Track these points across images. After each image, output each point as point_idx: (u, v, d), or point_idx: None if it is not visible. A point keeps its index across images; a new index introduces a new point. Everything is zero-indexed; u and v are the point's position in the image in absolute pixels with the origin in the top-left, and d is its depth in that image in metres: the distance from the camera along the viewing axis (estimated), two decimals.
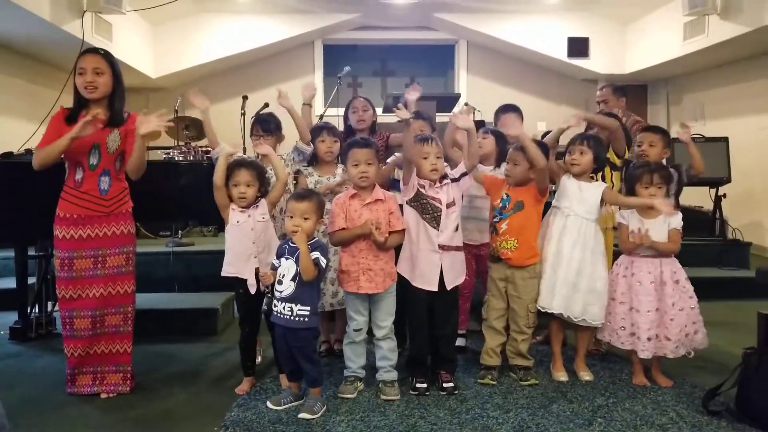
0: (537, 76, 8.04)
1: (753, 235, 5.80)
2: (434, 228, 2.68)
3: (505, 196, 2.85)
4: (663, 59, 6.66)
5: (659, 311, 2.73)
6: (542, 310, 2.83)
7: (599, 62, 7.45)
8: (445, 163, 2.79)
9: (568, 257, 2.80)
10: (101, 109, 2.59)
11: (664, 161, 3.18)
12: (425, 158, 2.67)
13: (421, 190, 2.69)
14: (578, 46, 7.34)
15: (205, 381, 2.90)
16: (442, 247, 2.69)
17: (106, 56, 2.60)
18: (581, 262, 2.79)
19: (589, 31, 7.37)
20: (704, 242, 5.32)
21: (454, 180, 2.77)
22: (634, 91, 7.28)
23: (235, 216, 2.67)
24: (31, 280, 3.67)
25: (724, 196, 5.51)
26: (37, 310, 3.62)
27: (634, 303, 2.76)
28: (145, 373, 2.91)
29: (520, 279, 2.81)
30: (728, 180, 5.49)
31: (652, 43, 6.87)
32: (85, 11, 5.25)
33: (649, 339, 2.71)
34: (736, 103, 6.50)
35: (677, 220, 2.78)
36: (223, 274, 2.73)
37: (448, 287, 2.71)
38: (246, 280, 2.66)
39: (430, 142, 2.69)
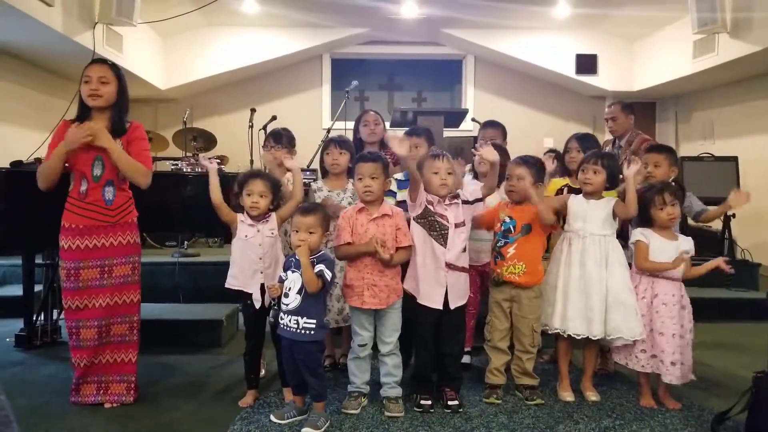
0: (545, 92, 8.05)
1: (762, 255, 5.73)
2: (441, 245, 2.66)
3: (507, 219, 2.80)
4: (672, 77, 6.65)
5: (676, 336, 2.69)
6: (577, 338, 2.77)
7: (607, 79, 7.46)
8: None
9: (597, 279, 2.75)
10: (103, 119, 2.60)
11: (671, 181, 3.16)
12: (435, 173, 2.66)
13: (429, 207, 2.67)
14: (586, 63, 7.35)
15: (208, 393, 2.88)
16: (448, 266, 2.66)
17: (113, 67, 2.62)
18: (608, 280, 2.75)
19: (597, 48, 7.38)
20: None
21: (466, 202, 2.75)
22: (642, 108, 7.27)
23: (243, 230, 2.68)
24: (37, 287, 3.67)
25: (734, 216, 5.46)
26: (42, 318, 3.62)
27: (657, 325, 2.70)
28: (149, 384, 2.89)
29: (526, 299, 2.78)
30: None
31: (661, 60, 6.87)
32: (96, 23, 5.30)
33: (673, 363, 2.66)
34: (746, 122, 6.47)
35: (691, 246, 2.75)
36: (227, 285, 2.73)
37: (452, 306, 2.69)
38: (251, 293, 2.65)
39: (441, 158, 2.67)
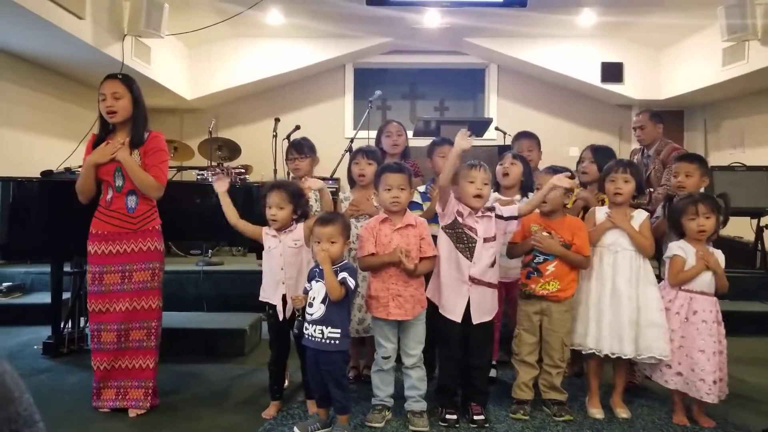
0: (569, 100, 7.95)
1: None
2: (467, 258, 2.61)
3: (546, 234, 2.73)
4: (700, 85, 6.51)
5: (716, 354, 2.61)
6: (612, 356, 2.70)
7: (634, 87, 7.34)
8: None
9: (627, 296, 2.69)
10: (125, 132, 2.69)
11: (702, 191, 3.08)
12: (471, 182, 2.60)
13: (458, 218, 2.62)
14: (612, 71, 7.24)
15: (231, 403, 2.87)
16: (472, 280, 2.61)
17: (124, 80, 2.69)
18: (639, 298, 2.69)
19: (623, 56, 7.28)
20: (745, 275, 5.13)
21: (500, 217, 2.69)
22: (670, 116, 7.12)
23: (267, 241, 2.69)
24: (65, 295, 3.72)
25: (767, 227, 5.32)
26: (70, 326, 3.66)
27: (697, 343, 2.61)
28: (172, 393, 2.90)
29: (557, 312, 2.72)
30: None
31: (689, 68, 6.74)
32: (125, 35, 5.40)
33: (715, 382, 2.57)
34: None
35: (722, 260, 2.68)
36: (260, 298, 2.75)
37: (474, 322, 2.63)
38: (275, 305, 2.65)
39: (478, 168, 2.62)
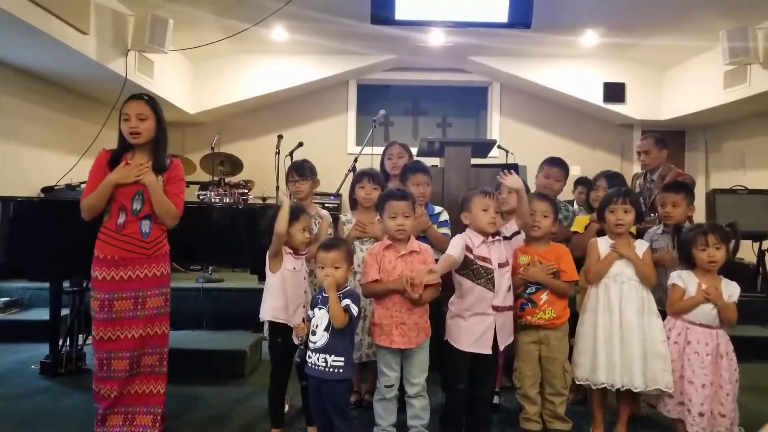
0: (572, 120, 7.97)
1: None
2: (490, 290, 2.58)
3: (538, 264, 2.73)
4: (702, 107, 6.54)
5: (713, 385, 2.58)
6: (622, 390, 2.67)
7: (635, 108, 7.36)
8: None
9: (637, 327, 2.66)
10: (144, 154, 2.63)
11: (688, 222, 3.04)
12: (485, 210, 2.60)
13: (468, 255, 2.60)
14: (614, 91, 7.27)
15: (231, 428, 2.84)
16: (495, 308, 2.60)
17: (150, 102, 2.64)
18: (646, 330, 2.67)
19: (625, 77, 7.30)
20: (746, 298, 5.09)
21: (506, 238, 2.70)
22: (671, 137, 7.14)
23: (290, 262, 2.66)
24: (63, 311, 3.67)
25: None
26: (68, 345, 3.62)
27: (687, 373, 2.61)
28: (172, 417, 2.85)
29: (554, 339, 2.71)
30: None
31: (691, 90, 6.77)
32: (129, 50, 5.42)
33: (701, 414, 2.55)
34: None
35: (736, 291, 2.66)
36: (269, 318, 2.66)
37: (501, 348, 2.63)
38: (291, 329, 2.60)
39: (491, 196, 2.63)
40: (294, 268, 2.66)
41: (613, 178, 3.39)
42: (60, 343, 3.58)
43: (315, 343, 2.41)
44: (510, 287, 2.66)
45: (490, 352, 2.59)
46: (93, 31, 4.80)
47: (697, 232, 2.67)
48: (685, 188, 3.06)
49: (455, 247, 2.57)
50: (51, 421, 2.83)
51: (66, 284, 3.69)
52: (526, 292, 2.74)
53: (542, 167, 3.54)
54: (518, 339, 2.77)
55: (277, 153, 5.42)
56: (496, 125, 8.02)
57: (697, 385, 2.58)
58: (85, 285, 3.68)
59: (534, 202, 2.78)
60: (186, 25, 5.81)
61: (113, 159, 2.62)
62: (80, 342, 3.69)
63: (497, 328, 2.60)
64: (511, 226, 2.73)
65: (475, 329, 2.59)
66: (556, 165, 3.46)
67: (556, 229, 2.80)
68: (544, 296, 2.71)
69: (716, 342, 2.62)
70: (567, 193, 4.16)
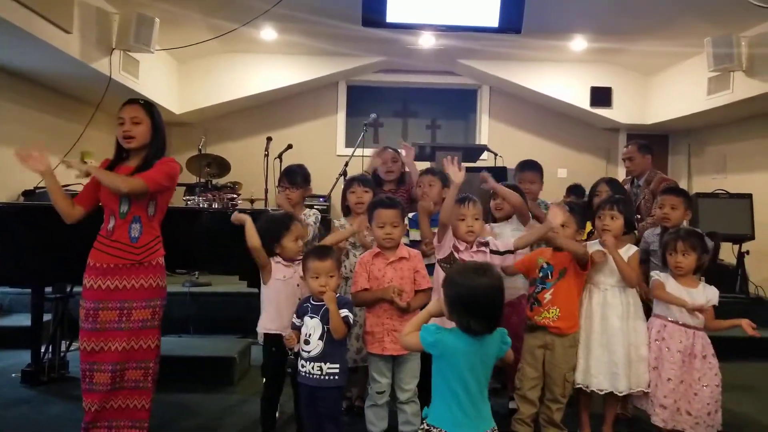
0: (559, 123, 8.03)
1: None
2: None
3: (545, 265, 2.74)
4: (686, 112, 6.62)
5: (684, 383, 2.64)
6: (600, 392, 2.72)
7: (622, 112, 7.44)
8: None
9: (621, 333, 2.70)
10: (139, 159, 2.56)
11: (685, 223, 3.13)
12: (462, 220, 2.62)
13: (454, 253, 2.62)
14: (601, 96, 7.34)
15: None
16: None
17: (146, 106, 2.58)
18: (631, 334, 2.72)
19: (612, 81, 7.38)
20: (726, 299, 5.17)
21: (496, 252, 2.69)
22: (655, 141, 7.24)
23: (280, 270, 2.63)
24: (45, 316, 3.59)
25: (747, 253, 5.40)
26: (50, 353, 3.54)
27: (659, 368, 2.68)
28: (159, 427, 2.81)
29: (560, 347, 2.70)
30: (752, 237, 5.40)
31: (675, 95, 6.86)
32: (114, 49, 5.33)
33: (663, 407, 2.62)
34: (760, 158, 6.41)
35: (715, 296, 2.69)
36: (263, 330, 2.64)
37: None
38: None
39: (467, 204, 2.63)
40: (284, 277, 2.63)
41: (612, 183, 3.45)
42: (42, 351, 3.50)
43: (309, 352, 2.38)
44: None
45: None
46: (76, 30, 4.71)
47: (670, 237, 2.74)
48: (684, 193, 3.17)
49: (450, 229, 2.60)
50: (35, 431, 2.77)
51: (48, 290, 3.61)
52: (535, 292, 2.76)
53: (516, 174, 3.59)
54: (526, 341, 2.79)
55: (266, 155, 5.37)
56: (485, 128, 8.05)
57: (663, 379, 2.64)
58: (68, 291, 3.62)
59: (550, 209, 2.79)
60: (173, 24, 5.73)
61: (110, 166, 2.56)
62: (63, 349, 3.61)
63: None
64: (505, 244, 2.72)
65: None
66: (528, 169, 3.49)
67: (580, 237, 2.79)
68: (548, 295, 2.71)
69: (691, 342, 2.66)
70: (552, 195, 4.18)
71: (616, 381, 2.68)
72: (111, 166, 2.57)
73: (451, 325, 1.84)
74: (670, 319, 2.70)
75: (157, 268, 2.59)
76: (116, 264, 2.50)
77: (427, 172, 3.23)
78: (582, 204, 2.88)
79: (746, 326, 2.62)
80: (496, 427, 1.86)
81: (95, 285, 2.49)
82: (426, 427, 1.82)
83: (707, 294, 2.69)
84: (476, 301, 1.74)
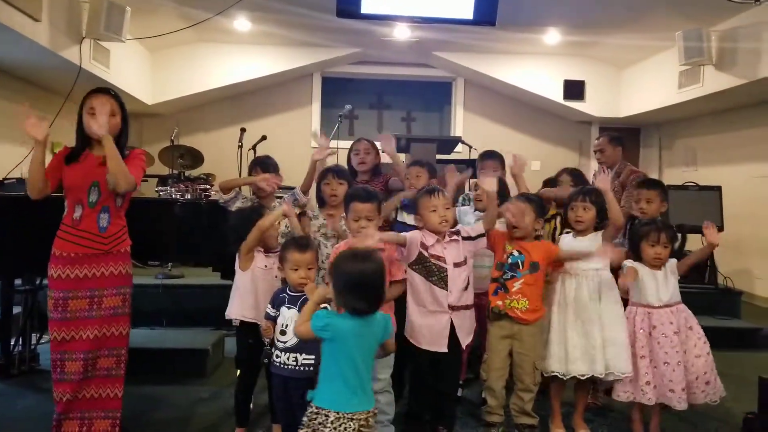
0: (533, 116, 8.12)
1: (743, 283, 5.82)
2: (442, 289, 2.59)
3: (516, 253, 2.74)
4: (657, 105, 6.75)
5: (680, 363, 2.68)
6: (563, 377, 2.75)
7: (594, 105, 7.55)
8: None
9: (595, 317, 2.73)
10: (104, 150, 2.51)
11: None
12: (433, 211, 2.60)
13: (423, 252, 2.60)
14: (574, 89, 7.43)
15: (194, 429, 2.79)
16: (452, 308, 2.61)
17: (117, 98, 2.57)
18: (603, 317, 2.74)
19: (585, 75, 7.48)
20: (695, 290, 5.31)
21: (468, 238, 2.70)
22: (627, 134, 7.36)
23: (261, 260, 2.63)
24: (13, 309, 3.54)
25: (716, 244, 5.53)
26: (20, 345, 3.49)
27: (660, 356, 2.69)
28: (131, 419, 2.78)
29: (528, 335, 2.71)
30: (721, 229, 5.52)
31: (647, 89, 6.98)
32: (84, 38, 5.22)
33: (683, 389, 2.64)
34: (728, 151, 6.58)
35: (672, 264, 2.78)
36: (239, 317, 2.63)
37: (464, 345, 2.65)
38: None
39: (437, 194, 2.62)
40: (265, 266, 2.63)
41: (575, 173, 3.49)
42: (12, 344, 3.44)
43: (285, 342, 2.38)
44: (468, 286, 2.66)
45: (445, 350, 2.59)
46: (45, 18, 4.59)
47: (651, 228, 2.76)
48: (659, 185, 3.19)
49: (408, 235, 2.62)
50: (5, 426, 2.72)
51: (18, 282, 3.55)
52: (502, 277, 2.74)
53: (477, 164, 3.67)
54: (490, 331, 2.79)
55: (240, 146, 5.34)
56: (460, 120, 8.10)
57: (673, 364, 2.65)
58: (38, 283, 3.56)
59: (514, 201, 2.82)
60: (144, 12, 5.63)
61: (73, 155, 2.52)
62: (33, 342, 3.56)
63: (456, 326, 2.60)
64: (476, 228, 2.74)
65: (430, 328, 2.60)
66: (488, 158, 3.57)
67: (540, 227, 2.83)
68: (517, 284, 2.71)
69: (677, 318, 2.72)
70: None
71: (594, 364, 2.70)
72: (74, 154, 2.52)
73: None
74: (654, 305, 2.73)
75: (125, 255, 2.58)
76: (84, 253, 2.48)
77: (414, 163, 3.26)
78: (538, 195, 2.90)
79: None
80: (376, 410, 2.01)
81: (63, 274, 2.47)
82: (315, 410, 1.92)
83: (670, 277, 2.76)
84: (364, 283, 1.90)
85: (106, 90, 2.57)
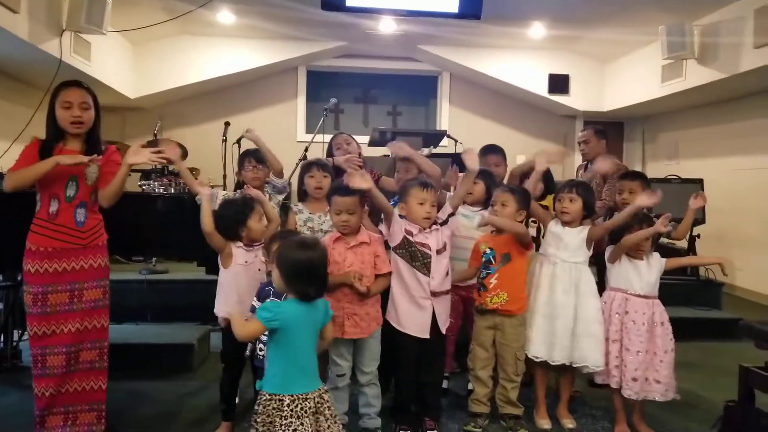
0: (518, 110, 8.16)
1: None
2: (425, 275, 2.63)
3: (488, 250, 2.79)
4: (640, 99, 6.82)
5: (648, 353, 2.72)
6: (536, 360, 2.79)
7: (578, 99, 7.60)
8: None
9: (563, 306, 2.77)
10: (78, 143, 2.51)
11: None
12: (421, 204, 2.62)
13: (408, 237, 2.64)
14: (559, 83, 7.48)
15: (180, 424, 2.78)
16: (433, 294, 2.64)
17: (90, 91, 2.54)
18: (576, 308, 2.77)
19: (569, 69, 7.52)
20: (677, 281, 5.38)
21: (442, 223, 2.73)
22: (610, 128, 7.44)
23: (241, 255, 2.61)
24: None
25: (698, 236, 5.62)
26: (2, 342, 3.44)
27: (625, 341, 2.74)
28: (117, 414, 2.76)
29: (509, 327, 2.76)
30: (703, 221, 5.61)
31: (631, 83, 7.04)
32: (64, 30, 5.13)
33: (634, 379, 2.69)
34: (710, 144, 6.68)
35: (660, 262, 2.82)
36: (223, 315, 2.62)
37: (443, 330, 2.67)
38: None
39: (429, 189, 2.64)
40: (246, 262, 2.61)
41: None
42: None
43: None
44: (448, 272, 2.72)
45: (428, 336, 2.63)
46: (24, 9, 4.50)
47: (638, 221, 2.78)
48: (642, 177, 3.23)
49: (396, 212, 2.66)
50: None
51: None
52: (480, 277, 2.80)
53: (481, 159, 3.63)
54: (476, 322, 2.85)
55: (224, 140, 5.27)
56: (446, 114, 8.11)
57: (632, 351, 2.71)
58: (19, 279, 3.51)
59: (496, 193, 2.85)
60: (126, 4, 5.55)
61: (45, 148, 2.47)
62: (15, 338, 3.51)
63: (437, 312, 2.65)
64: (444, 210, 2.76)
65: (414, 314, 2.63)
66: (491, 152, 3.56)
67: (521, 218, 2.85)
68: (493, 280, 2.76)
69: (652, 311, 2.76)
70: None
71: (552, 351, 2.76)
72: (46, 147, 2.47)
73: None
74: (633, 292, 2.77)
75: (103, 248, 2.57)
76: (62, 248, 2.46)
77: (405, 159, 3.25)
78: (522, 187, 2.93)
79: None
80: (326, 387, 2.08)
81: (41, 269, 2.44)
82: (268, 397, 1.93)
83: (652, 264, 2.82)
84: (312, 269, 1.98)
85: (78, 83, 2.54)
